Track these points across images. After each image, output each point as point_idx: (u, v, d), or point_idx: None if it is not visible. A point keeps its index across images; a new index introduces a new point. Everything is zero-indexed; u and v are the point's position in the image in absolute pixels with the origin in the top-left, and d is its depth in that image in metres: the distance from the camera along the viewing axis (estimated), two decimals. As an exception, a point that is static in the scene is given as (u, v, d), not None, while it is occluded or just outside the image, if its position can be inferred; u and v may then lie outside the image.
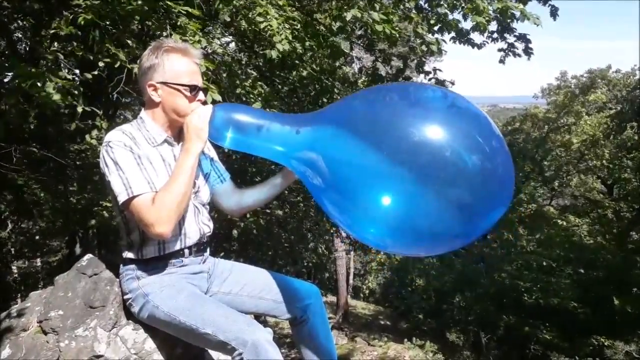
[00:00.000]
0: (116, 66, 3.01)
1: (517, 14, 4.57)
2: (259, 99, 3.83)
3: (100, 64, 3.10)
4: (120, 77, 3.21)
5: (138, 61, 1.70)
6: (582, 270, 14.47)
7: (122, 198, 1.50)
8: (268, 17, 3.49)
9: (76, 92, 2.91)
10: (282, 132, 1.57)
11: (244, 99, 4.04)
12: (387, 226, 1.43)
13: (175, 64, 1.59)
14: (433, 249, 1.58)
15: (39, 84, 2.59)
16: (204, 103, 1.65)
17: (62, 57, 2.86)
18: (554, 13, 5.09)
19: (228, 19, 3.69)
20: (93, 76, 3.23)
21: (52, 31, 2.81)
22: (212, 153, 1.86)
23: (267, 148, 1.60)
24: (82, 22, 2.88)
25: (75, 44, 3.40)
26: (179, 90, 1.60)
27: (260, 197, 1.87)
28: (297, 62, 4.72)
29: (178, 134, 1.68)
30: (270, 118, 1.62)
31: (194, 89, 1.61)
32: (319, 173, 1.49)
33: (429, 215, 1.39)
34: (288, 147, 1.57)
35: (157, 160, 1.60)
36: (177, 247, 1.65)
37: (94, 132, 4.46)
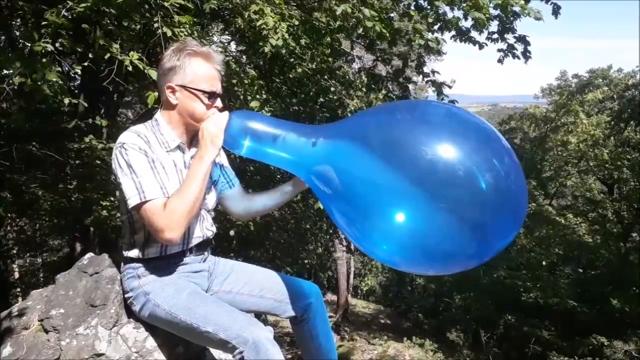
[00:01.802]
0: (106, 57, 2.99)
1: (518, 9, 4.55)
2: (257, 96, 3.82)
3: (90, 55, 3.09)
4: (111, 68, 3.20)
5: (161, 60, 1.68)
6: (581, 270, 14.49)
7: (133, 202, 1.49)
8: (265, 15, 3.49)
9: (63, 86, 2.90)
10: (298, 143, 1.57)
11: (241, 97, 4.03)
12: (399, 244, 1.42)
13: (196, 68, 1.58)
14: (446, 269, 1.56)
15: (34, 76, 2.58)
16: (221, 110, 1.64)
17: (51, 48, 2.85)
18: (555, 11, 5.08)
19: (214, 6, 3.67)
20: (90, 72, 3.23)
21: (44, 23, 2.80)
22: (223, 159, 1.86)
23: (282, 158, 1.60)
24: (75, 14, 2.88)
25: (65, 35, 3.39)
26: (197, 95, 1.59)
27: (269, 203, 1.87)
28: (292, 60, 4.72)
29: (191, 139, 1.68)
30: (286, 128, 1.61)
31: (212, 95, 1.61)
32: (332, 186, 1.49)
33: (441, 235, 1.37)
34: (303, 158, 1.57)
35: (169, 166, 1.60)
36: (179, 249, 1.66)
37: (90, 136, 4.47)
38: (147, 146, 1.56)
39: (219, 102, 1.64)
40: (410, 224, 1.38)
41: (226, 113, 1.60)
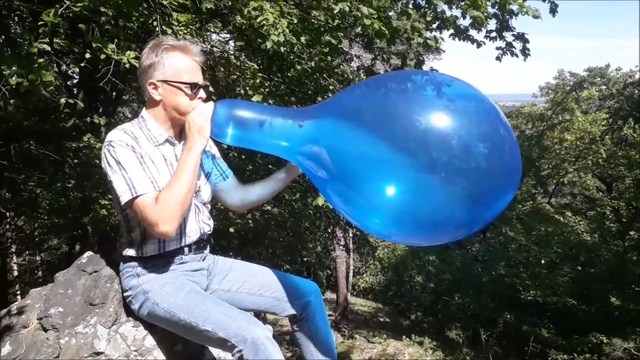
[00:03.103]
0: (102, 57, 2.99)
1: (516, 8, 4.55)
2: (260, 90, 3.79)
3: (87, 55, 3.09)
4: (107, 68, 3.20)
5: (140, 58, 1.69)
6: (579, 268, 14.51)
7: (125, 198, 1.49)
8: (263, 11, 3.48)
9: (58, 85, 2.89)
10: (285, 127, 1.56)
11: (242, 92, 4.01)
12: (391, 215, 1.42)
13: (175, 62, 1.59)
14: (436, 238, 1.56)
15: (30, 75, 2.58)
16: (206, 100, 1.64)
17: (48, 48, 2.84)
18: (553, 10, 5.08)
19: (211, 7, 3.66)
20: (89, 71, 3.22)
21: (40, 23, 2.80)
22: (215, 150, 1.86)
23: (270, 143, 1.60)
24: (72, 14, 2.88)
25: (63, 35, 3.38)
26: (179, 88, 1.59)
27: (264, 192, 1.87)
28: (291, 57, 4.71)
29: (179, 132, 1.68)
30: (272, 113, 1.61)
31: (194, 86, 1.61)
32: (323, 165, 1.48)
33: (433, 204, 1.37)
34: (291, 141, 1.56)
35: (159, 160, 1.60)
36: (177, 245, 1.65)
37: (88, 135, 4.47)
38: (135, 142, 1.56)
39: (202, 93, 1.64)
40: (403, 194, 1.38)
41: (211, 103, 1.60)
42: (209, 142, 1.71)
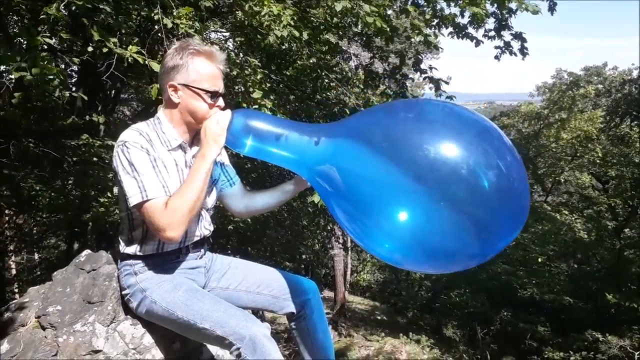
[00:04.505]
0: (104, 51, 2.98)
1: (514, 5, 4.54)
2: (261, 87, 3.76)
3: (89, 49, 3.08)
4: (110, 62, 3.19)
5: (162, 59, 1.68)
6: (576, 265, 14.56)
7: (135, 200, 1.49)
8: (265, 4, 3.46)
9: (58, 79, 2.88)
10: (301, 142, 1.57)
11: (242, 88, 4.00)
12: (401, 242, 1.42)
13: (199, 68, 1.58)
14: (447, 267, 1.55)
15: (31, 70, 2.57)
16: (223, 109, 1.64)
17: (50, 41, 2.83)
18: (552, 8, 5.08)
19: (209, 5, 3.64)
20: (88, 69, 3.20)
21: (42, 16, 2.78)
22: (224, 157, 1.86)
23: (284, 157, 1.60)
24: (74, 8, 2.86)
25: (64, 30, 3.36)
26: (199, 94, 1.59)
27: (270, 201, 1.88)
28: (290, 53, 4.69)
29: (193, 138, 1.67)
30: (289, 127, 1.61)
31: (214, 94, 1.61)
32: (334, 184, 1.49)
33: (444, 234, 1.37)
34: (306, 157, 1.57)
35: (171, 165, 1.60)
36: (176, 246, 1.66)
37: (86, 135, 4.46)
38: (149, 145, 1.56)
39: (221, 102, 1.64)
40: (412, 222, 1.38)
41: (228, 111, 1.60)
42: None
